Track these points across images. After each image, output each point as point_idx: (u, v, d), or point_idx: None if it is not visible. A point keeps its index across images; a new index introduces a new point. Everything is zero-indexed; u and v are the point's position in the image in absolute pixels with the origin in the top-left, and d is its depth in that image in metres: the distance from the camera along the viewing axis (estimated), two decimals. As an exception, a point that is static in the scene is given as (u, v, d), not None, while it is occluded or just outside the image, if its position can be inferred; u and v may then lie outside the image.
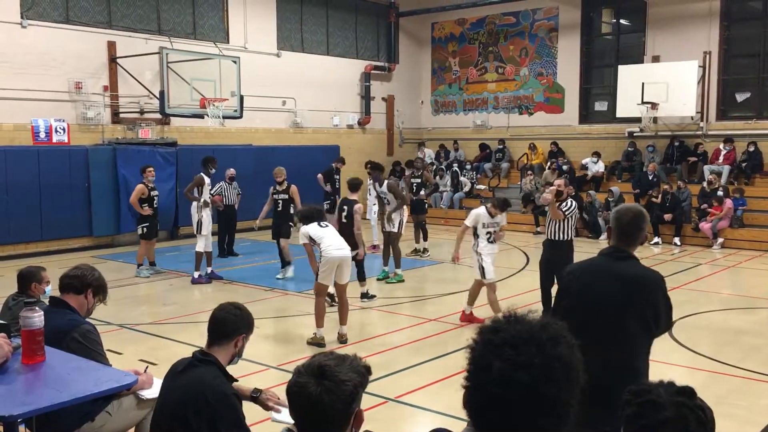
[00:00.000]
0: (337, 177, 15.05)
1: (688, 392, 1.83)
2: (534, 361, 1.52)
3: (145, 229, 11.87)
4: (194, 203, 11.55)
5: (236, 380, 3.53)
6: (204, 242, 11.40)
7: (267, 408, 3.70)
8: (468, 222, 8.70)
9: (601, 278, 3.52)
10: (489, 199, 10.65)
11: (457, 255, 8.91)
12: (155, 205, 12.03)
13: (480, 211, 8.67)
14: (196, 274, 11.43)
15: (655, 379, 1.96)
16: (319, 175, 14.87)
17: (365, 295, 10.14)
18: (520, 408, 1.52)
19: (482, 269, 8.51)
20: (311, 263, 8.06)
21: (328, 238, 7.87)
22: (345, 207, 9.96)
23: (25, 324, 3.51)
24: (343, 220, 9.83)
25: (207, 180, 11.62)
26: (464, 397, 1.60)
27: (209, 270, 11.53)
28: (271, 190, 11.86)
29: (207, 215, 11.51)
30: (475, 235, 8.58)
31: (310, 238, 7.90)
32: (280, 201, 11.72)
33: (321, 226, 8.00)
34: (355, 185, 10.47)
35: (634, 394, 1.85)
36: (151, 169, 12.14)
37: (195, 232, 11.59)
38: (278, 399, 3.67)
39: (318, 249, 7.90)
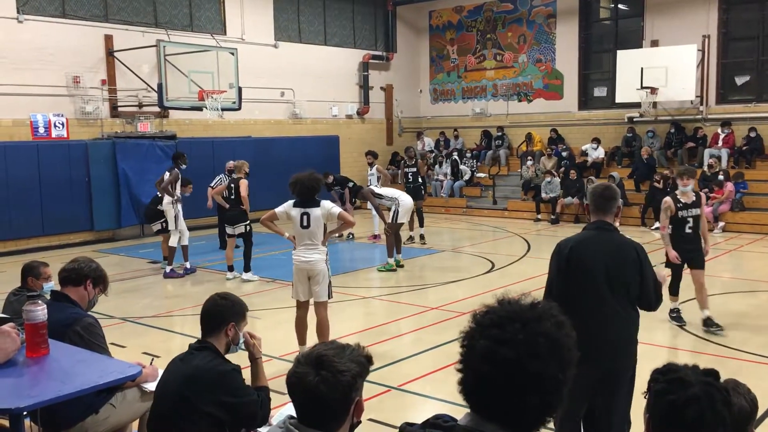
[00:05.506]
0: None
1: (714, 374, 1.91)
2: (518, 337, 1.55)
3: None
4: (167, 198, 11.35)
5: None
6: (181, 236, 11.39)
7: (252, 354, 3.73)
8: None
9: (594, 248, 4.08)
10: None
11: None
12: None
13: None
14: (168, 269, 11.31)
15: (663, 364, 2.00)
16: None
17: None
18: (508, 385, 1.54)
19: None
20: (269, 225, 6.90)
21: (300, 240, 6.71)
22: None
23: (28, 317, 3.51)
24: None
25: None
26: (458, 381, 1.64)
27: (188, 265, 11.49)
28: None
29: (179, 210, 11.39)
30: None
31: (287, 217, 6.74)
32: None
33: (303, 221, 6.59)
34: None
35: (662, 373, 1.92)
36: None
37: (172, 227, 11.34)
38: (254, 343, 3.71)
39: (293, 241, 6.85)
